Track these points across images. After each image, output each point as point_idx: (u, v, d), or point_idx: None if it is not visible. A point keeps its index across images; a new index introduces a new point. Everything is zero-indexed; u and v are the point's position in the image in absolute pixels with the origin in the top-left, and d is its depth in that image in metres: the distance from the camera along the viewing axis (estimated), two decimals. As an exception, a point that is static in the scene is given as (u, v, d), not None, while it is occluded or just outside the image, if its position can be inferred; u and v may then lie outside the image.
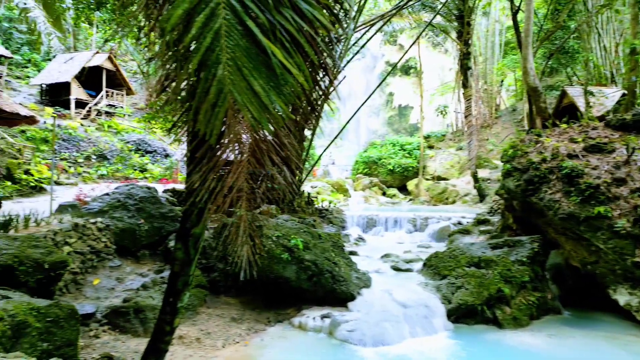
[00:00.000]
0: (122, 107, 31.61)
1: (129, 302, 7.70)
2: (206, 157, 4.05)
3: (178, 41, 3.25)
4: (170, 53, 3.37)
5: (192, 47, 3.31)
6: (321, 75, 3.90)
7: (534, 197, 10.16)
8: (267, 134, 3.64)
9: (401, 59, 10.62)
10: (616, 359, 7.26)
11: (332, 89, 4.05)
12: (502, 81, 44.49)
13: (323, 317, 8.14)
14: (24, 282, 5.87)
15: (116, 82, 31.74)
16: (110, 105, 30.94)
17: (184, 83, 4.03)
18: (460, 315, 8.51)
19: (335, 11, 3.54)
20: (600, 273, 9.01)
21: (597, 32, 17.62)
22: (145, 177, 21.29)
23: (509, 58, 38.90)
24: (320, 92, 4.07)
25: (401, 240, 15.82)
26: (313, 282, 8.62)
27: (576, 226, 9.16)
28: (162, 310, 5.22)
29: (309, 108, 4.27)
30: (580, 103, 19.84)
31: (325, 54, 3.72)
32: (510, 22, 42.37)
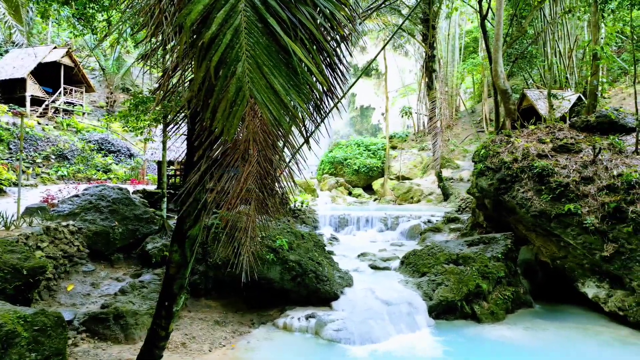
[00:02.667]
0: (81, 105, 30.30)
1: (108, 308, 7.42)
2: (205, 157, 3.97)
3: (196, 37, 3.17)
4: (181, 49, 3.27)
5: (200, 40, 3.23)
6: (328, 74, 3.90)
7: (506, 195, 10.54)
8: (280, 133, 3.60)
9: (372, 61, 10.67)
10: (589, 349, 7.62)
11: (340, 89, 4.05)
12: (460, 84, 45.90)
13: (308, 317, 8.12)
14: (2, 289, 5.53)
15: (75, 79, 30.37)
16: (68, 102, 29.60)
17: (176, 78, 3.94)
18: (441, 311, 8.72)
19: (348, 9, 3.56)
20: (569, 267, 9.47)
21: (553, 37, 18.52)
22: (109, 178, 20.50)
23: (469, 61, 40.24)
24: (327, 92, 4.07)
25: (374, 239, 16.01)
26: (297, 283, 8.59)
27: (547, 223, 9.58)
28: (156, 314, 5.07)
29: (315, 107, 4.27)
30: (540, 105, 20.77)
31: (335, 54, 3.72)
32: (468, 27, 44.06)
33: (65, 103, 29.36)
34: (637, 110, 10.23)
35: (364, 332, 7.55)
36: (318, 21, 3.24)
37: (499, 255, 9.66)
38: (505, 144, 11.39)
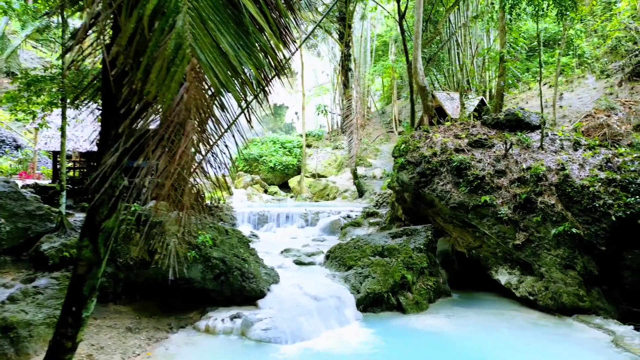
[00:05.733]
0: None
1: (-7, 319, 6.27)
2: (130, 130, 3.37)
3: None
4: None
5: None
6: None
7: (426, 188, 10.83)
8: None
9: (289, 59, 10.42)
10: (504, 332, 8.01)
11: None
12: (371, 85, 47.47)
13: (233, 317, 7.58)
14: None
15: (-55, 58, 26.19)
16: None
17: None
18: (369, 304, 8.66)
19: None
20: (483, 256, 9.95)
21: (464, 41, 19.69)
22: (-9, 172, 17.90)
23: (380, 63, 41.66)
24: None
25: (294, 236, 15.73)
26: (220, 282, 7.99)
27: (465, 214, 9.98)
28: (60, 322, 4.26)
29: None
30: (447, 106, 22.02)
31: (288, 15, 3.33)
32: (378, 30, 45.66)
33: None
34: (542, 109, 11.09)
35: (294, 330, 7.20)
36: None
37: (422, 247, 9.87)
38: (424, 139, 11.72)
